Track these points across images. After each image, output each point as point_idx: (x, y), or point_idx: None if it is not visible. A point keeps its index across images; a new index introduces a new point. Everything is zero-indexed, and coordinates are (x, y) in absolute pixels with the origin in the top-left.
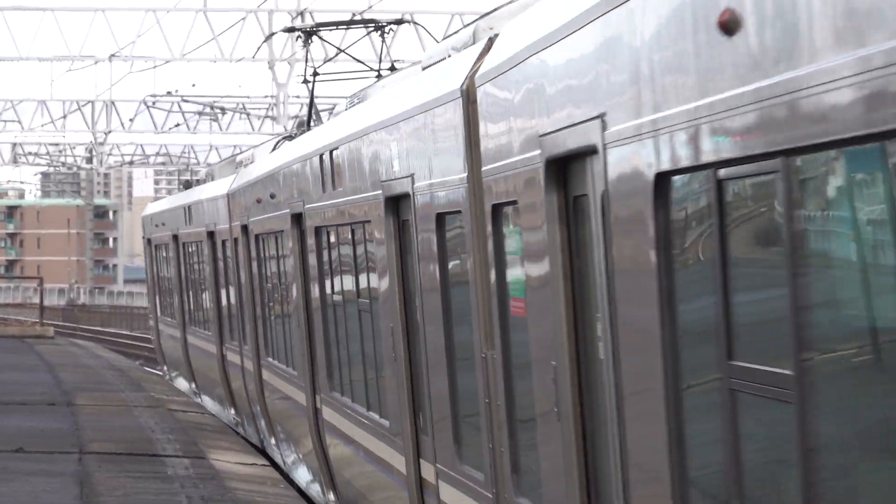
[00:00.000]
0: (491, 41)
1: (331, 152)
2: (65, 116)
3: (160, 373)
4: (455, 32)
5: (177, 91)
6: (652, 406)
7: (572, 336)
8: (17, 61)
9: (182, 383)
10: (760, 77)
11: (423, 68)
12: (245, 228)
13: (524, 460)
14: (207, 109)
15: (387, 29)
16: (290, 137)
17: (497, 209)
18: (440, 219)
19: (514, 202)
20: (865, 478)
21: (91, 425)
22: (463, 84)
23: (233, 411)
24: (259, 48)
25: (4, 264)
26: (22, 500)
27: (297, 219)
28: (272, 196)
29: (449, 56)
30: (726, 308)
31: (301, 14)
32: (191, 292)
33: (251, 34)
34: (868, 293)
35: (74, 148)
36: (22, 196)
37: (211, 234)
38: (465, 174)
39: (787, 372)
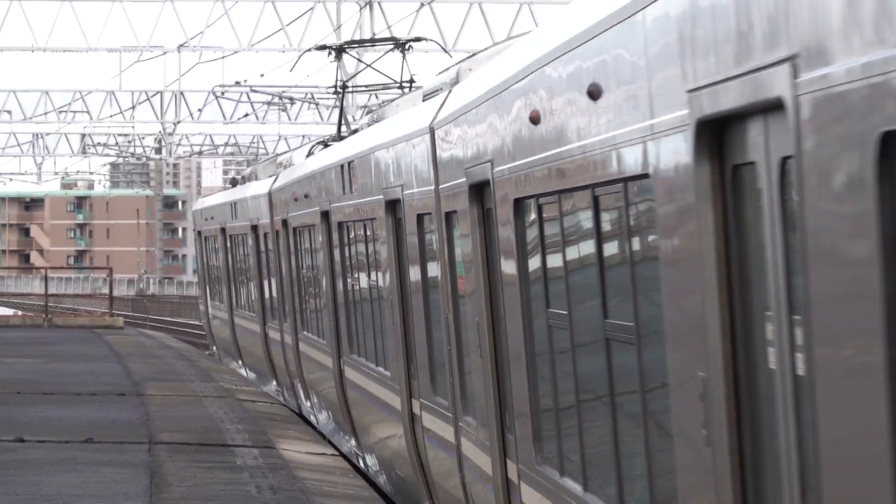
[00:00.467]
0: (449, 93)
1: (349, 163)
2: (133, 107)
3: (210, 353)
4: (446, 69)
5: (245, 81)
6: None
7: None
8: (85, 52)
9: (230, 361)
10: None
11: (424, 96)
12: (285, 223)
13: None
14: (276, 99)
15: (406, 46)
16: (324, 143)
17: (449, 216)
18: (420, 219)
19: (455, 211)
20: None
21: (161, 415)
22: (430, 123)
23: (274, 383)
24: (295, 64)
25: (74, 255)
26: (91, 490)
27: (326, 215)
28: (306, 196)
29: (441, 88)
30: None
31: (369, 3)
32: (237, 279)
33: (320, 23)
34: None
35: (143, 138)
36: (91, 187)
37: (255, 228)
38: (432, 187)
39: None
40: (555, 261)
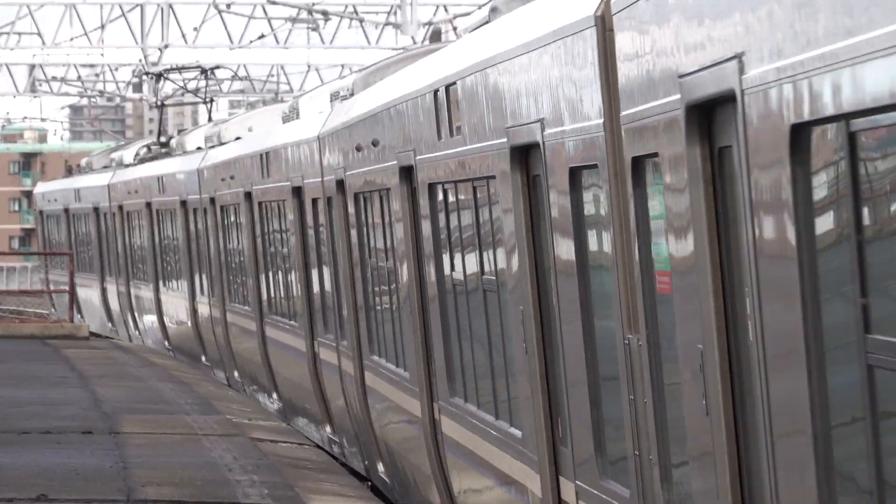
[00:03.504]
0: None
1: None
2: (102, 26)
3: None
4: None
5: None
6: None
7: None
8: None
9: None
10: None
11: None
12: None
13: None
14: (304, 14)
15: (210, 72)
16: (148, 148)
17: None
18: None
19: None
20: None
21: (142, 462)
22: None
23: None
24: None
25: (20, 235)
26: None
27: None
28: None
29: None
30: None
31: None
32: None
33: None
34: None
35: (117, 70)
36: (44, 139)
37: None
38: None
39: None
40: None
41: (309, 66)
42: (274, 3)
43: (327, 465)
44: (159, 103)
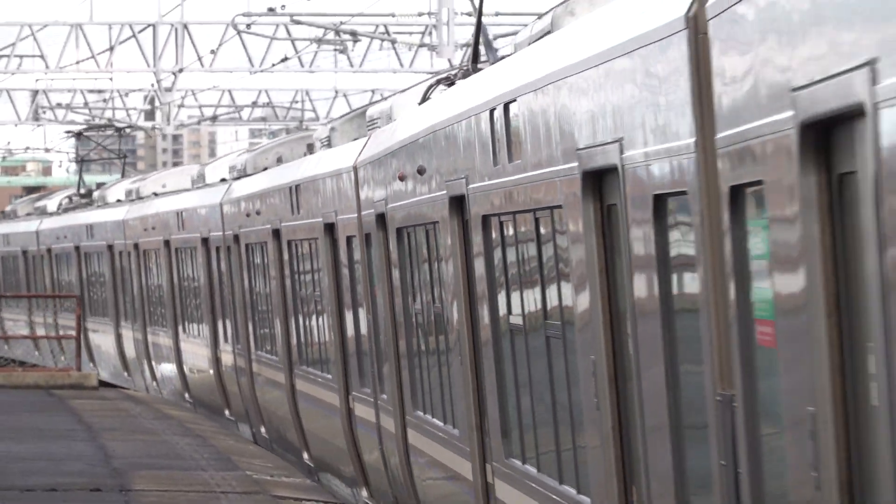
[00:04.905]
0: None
1: (505, 106)
2: (111, 48)
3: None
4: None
5: (283, 7)
6: None
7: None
8: None
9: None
10: None
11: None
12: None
13: None
14: (330, 35)
15: (125, 131)
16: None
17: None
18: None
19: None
20: None
21: None
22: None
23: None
24: None
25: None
26: None
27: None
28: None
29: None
30: None
31: None
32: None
33: None
34: None
35: (127, 96)
36: (48, 171)
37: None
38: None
39: None
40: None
41: (336, 92)
42: (298, 23)
43: None
44: (80, 159)
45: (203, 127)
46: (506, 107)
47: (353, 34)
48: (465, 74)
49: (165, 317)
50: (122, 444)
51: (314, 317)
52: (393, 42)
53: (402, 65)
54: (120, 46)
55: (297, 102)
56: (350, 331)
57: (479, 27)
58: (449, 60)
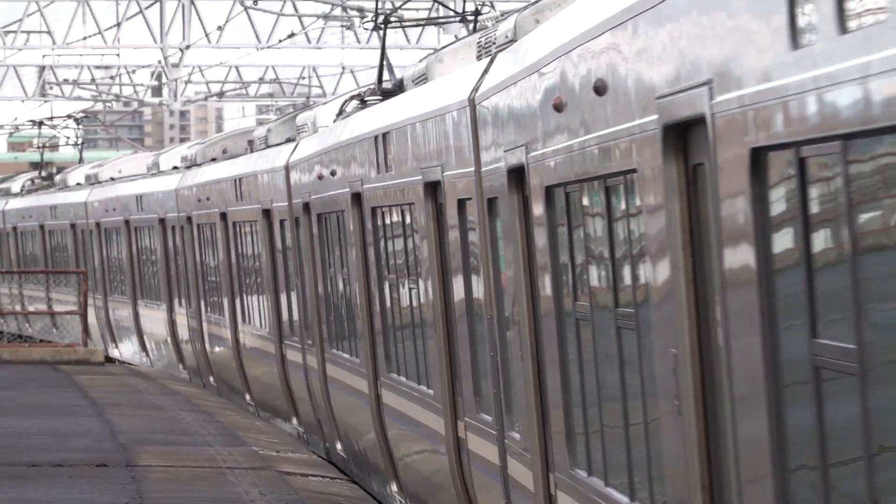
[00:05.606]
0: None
1: (384, 136)
2: (119, 24)
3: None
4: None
5: None
6: None
7: None
8: None
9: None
10: None
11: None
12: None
13: None
14: (337, 11)
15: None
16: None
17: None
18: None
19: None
20: None
21: (162, 497)
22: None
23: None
24: None
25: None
26: None
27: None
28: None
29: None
30: None
31: None
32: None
33: None
34: None
35: (134, 72)
36: (56, 147)
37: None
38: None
39: None
40: None
41: (343, 68)
42: None
43: (362, 500)
44: (40, 146)
45: (210, 103)
46: (384, 136)
47: (361, 10)
48: (373, 93)
49: (118, 287)
50: (129, 420)
51: (254, 287)
52: (400, 18)
53: (409, 41)
54: (127, 22)
55: (304, 79)
56: (283, 299)
57: (384, 55)
58: (455, 36)
